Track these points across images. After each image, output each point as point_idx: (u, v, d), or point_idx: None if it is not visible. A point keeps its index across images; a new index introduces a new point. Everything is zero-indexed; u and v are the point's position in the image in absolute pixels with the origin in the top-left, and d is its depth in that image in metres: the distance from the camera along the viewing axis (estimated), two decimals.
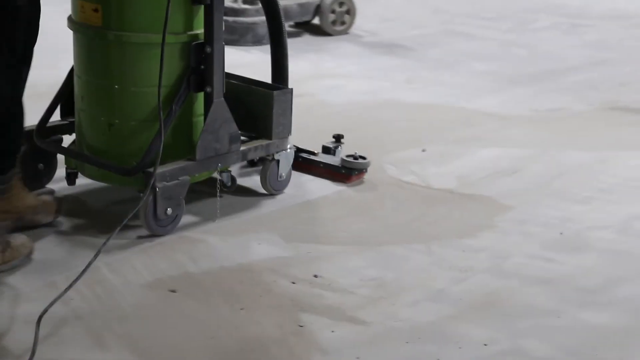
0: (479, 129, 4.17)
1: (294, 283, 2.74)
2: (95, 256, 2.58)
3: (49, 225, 3.02)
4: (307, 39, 5.69)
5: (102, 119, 3.06)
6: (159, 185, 2.93)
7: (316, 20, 5.72)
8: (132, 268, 2.77)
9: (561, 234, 3.17)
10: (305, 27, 5.82)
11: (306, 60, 5.14)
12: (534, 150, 3.94)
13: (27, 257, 2.78)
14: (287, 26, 5.09)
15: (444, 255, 2.98)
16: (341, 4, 5.71)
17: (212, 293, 2.66)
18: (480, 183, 3.59)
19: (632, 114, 4.49)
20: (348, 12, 5.76)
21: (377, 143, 3.88)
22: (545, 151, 3.93)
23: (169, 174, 2.97)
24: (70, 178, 3.29)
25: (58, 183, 3.33)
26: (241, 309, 2.58)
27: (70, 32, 3.10)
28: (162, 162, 2.95)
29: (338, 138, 3.71)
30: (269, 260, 2.87)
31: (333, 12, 5.68)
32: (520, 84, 4.95)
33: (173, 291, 2.65)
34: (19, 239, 2.81)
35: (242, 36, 5.34)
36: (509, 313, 2.64)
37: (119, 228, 2.69)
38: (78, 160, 3.19)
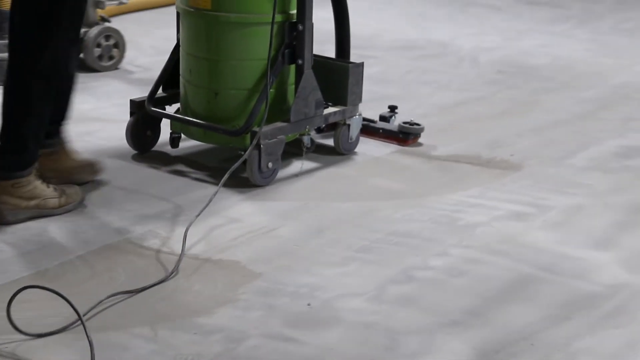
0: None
1: None
2: (214, 194, 3.36)
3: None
4: None
5: (210, 87, 3.72)
6: (263, 142, 3.56)
7: (82, 55, 5.22)
8: None
9: (309, 305, 2.87)
10: None
11: None
12: (299, 203, 3.64)
13: (81, 203, 3.40)
14: None
15: (171, 340, 2.62)
16: (108, 37, 5.23)
17: None
18: (232, 245, 3.25)
19: (407, 157, 4.27)
20: (116, 45, 5.30)
21: (119, 207, 3.47)
22: (307, 204, 3.64)
23: (270, 133, 3.63)
24: (175, 142, 3.92)
25: (162, 147, 3.95)
26: None
27: None
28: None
29: (393, 108, 4.41)
30: None
31: (98, 46, 5.19)
32: None
33: None
34: (72, 188, 3.42)
35: None
36: None
37: (227, 174, 3.44)
38: (188, 125, 3.80)
